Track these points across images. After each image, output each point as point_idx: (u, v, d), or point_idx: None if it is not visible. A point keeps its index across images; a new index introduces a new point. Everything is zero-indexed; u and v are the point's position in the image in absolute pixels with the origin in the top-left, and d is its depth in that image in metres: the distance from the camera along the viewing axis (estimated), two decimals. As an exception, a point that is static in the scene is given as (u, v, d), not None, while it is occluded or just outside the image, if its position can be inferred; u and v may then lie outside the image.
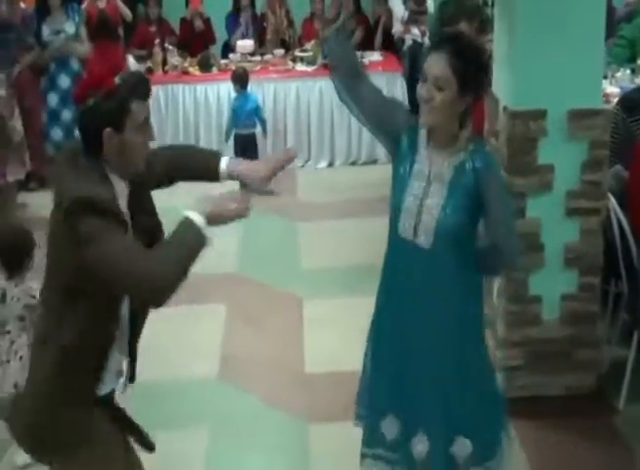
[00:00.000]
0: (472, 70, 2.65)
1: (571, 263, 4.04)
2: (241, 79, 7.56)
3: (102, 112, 2.25)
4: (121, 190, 2.38)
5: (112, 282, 2.22)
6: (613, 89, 6.02)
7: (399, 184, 2.78)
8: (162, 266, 2.19)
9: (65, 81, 6.10)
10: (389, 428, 2.95)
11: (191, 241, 2.25)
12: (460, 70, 2.61)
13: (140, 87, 2.30)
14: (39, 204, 7.23)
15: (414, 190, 2.74)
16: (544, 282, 4.05)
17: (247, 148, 7.59)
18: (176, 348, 4.76)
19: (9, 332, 3.56)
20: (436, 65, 2.64)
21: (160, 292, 2.19)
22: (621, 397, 4.10)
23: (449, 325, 2.83)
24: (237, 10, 9.14)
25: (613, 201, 4.10)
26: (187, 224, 2.26)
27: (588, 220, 4.00)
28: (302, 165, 8.23)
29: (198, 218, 2.26)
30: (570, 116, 3.87)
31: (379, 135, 2.95)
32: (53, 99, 6.11)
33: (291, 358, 4.67)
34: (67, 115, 6.02)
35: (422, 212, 2.72)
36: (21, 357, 3.51)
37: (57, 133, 6.59)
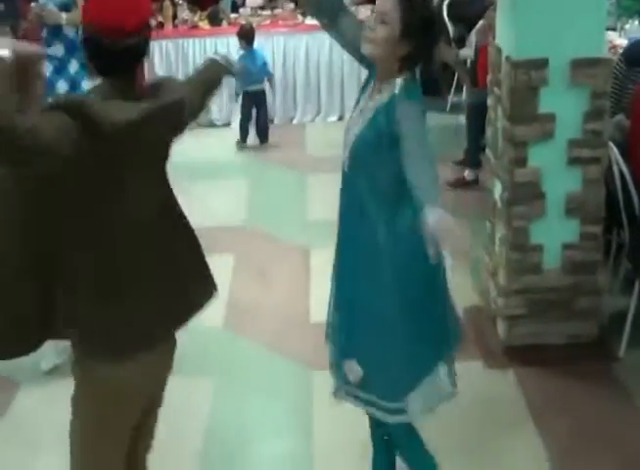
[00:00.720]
0: (416, 16, 2.69)
1: (573, 213, 4.05)
2: (247, 36, 7.50)
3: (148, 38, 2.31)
4: None
5: None
6: (622, 41, 6.00)
7: (349, 121, 2.89)
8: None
9: (59, 50, 5.58)
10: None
11: None
12: (406, 11, 2.66)
13: None
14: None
15: (351, 122, 2.85)
16: (545, 231, 4.07)
17: (257, 104, 7.59)
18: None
19: None
20: (386, 2, 2.70)
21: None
22: (622, 345, 4.12)
23: (366, 248, 2.86)
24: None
25: (614, 150, 4.09)
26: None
27: (590, 169, 4.00)
28: (312, 120, 8.24)
29: None
30: (571, 65, 3.85)
31: (363, 64, 3.05)
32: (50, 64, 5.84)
33: (297, 308, 4.72)
34: (61, 85, 5.84)
35: (346, 142, 2.83)
36: None
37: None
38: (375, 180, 2.79)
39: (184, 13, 8.33)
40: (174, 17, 8.27)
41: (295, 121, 8.34)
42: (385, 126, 2.70)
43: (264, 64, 7.64)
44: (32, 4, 5.46)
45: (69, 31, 5.53)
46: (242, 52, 7.54)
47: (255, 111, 7.59)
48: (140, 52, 2.25)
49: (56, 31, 5.53)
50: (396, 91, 2.72)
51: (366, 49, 2.73)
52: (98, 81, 2.28)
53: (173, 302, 2.39)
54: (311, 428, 3.73)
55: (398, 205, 2.77)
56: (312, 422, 3.76)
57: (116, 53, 2.17)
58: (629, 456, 3.48)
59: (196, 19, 8.33)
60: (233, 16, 8.55)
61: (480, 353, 4.18)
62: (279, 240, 5.62)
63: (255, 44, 7.59)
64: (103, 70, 2.24)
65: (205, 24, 8.26)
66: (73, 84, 5.34)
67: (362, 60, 2.94)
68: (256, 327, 4.54)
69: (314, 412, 3.81)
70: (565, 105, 3.91)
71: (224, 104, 8.21)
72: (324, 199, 6.21)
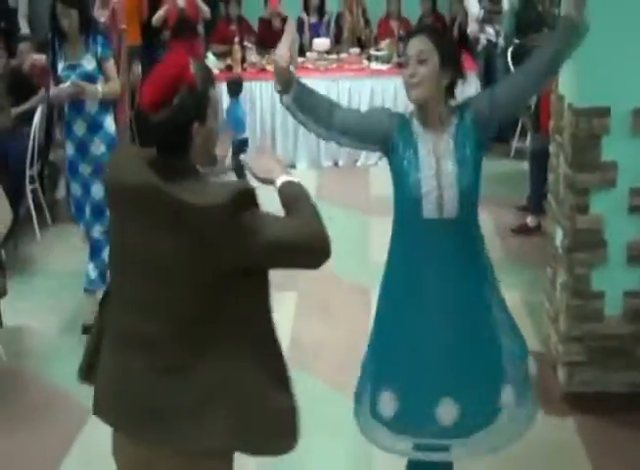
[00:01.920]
0: (448, 44, 2.87)
1: (635, 260, 4.03)
2: (236, 85, 7.77)
3: (189, 107, 2.17)
4: None
5: (283, 260, 2.25)
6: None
7: (410, 175, 2.86)
8: (313, 225, 2.24)
9: (80, 128, 4.95)
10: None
11: (301, 194, 2.32)
12: (439, 43, 2.80)
13: (211, 73, 2.30)
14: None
15: (428, 171, 2.85)
16: (607, 278, 4.05)
17: (242, 152, 7.70)
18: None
19: None
20: (417, 43, 2.81)
21: (327, 247, 2.24)
22: (684, 395, 4.07)
23: (482, 290, 3.03)
24: (307, 12, 9.25)
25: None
26: (288, 185, 2.34)
27: (653, 218, 3.99)
28: (376, 162, 8.33)
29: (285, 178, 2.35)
30: (634, 113, 3.87)
31: (369, 146, 3.07)
32: (69, 149, 5.01)
33: (357, 346, 4.76)
34: (85, 168, 4.97)
35: (442, 187, 2.84)
36: None
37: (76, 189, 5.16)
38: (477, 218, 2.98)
39: (252, 56, 8.53)
40: (243, 60, 8.48)
41: (358, 164, 8.45)
42: (473, 131, 2.86)
43: (244, 114, 7.84)
44: (67, 83, 4.84)
45: (92, 107, 4.92)
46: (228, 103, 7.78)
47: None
48: (174, 128, 2.18)
49: (78, 108, 4.92)
50: (460, 107, 2.90)
51: (413, 95, 2.82)
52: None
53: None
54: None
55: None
56: (372, 464, 3.79)
57: (150, 129, 2.19)
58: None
59: (264, 62, 8.52)
60: (300, 59, 8.74)
61: (540, 400, 4.17)
62: (341, 279, 5.70)
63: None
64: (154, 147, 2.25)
65: (272, 68, 8.43)
66: (97, 167, 4.84)
67: (368, 141, 2.99)
68: (319, 365, 4.60)
69: (375, 454, 3.83)
70: (627, 153, 3.91)
71: (289, 142, 8.36)
72: (386, 240, 6.29)
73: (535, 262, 5.11)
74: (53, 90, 4.97)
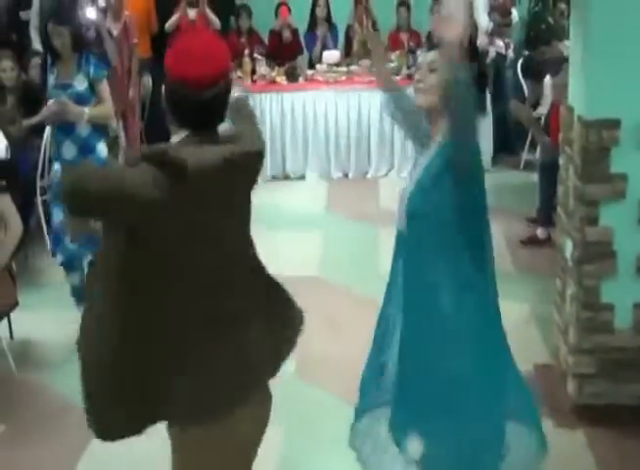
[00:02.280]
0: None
1: (645, 273, 4.03)
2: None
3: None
4: None
5: None
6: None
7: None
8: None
9: (69, 151, 4.81)
10: None
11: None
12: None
13: None
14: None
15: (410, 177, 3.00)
16: (617, 290, 4.05)
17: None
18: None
19: None
20: (432, 54, 2.88)
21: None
22: (696, 408, 4.06)
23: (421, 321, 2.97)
24: (314, 25, 9.28)
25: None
26: None
27: (662, 230, 3.99)
28: (386, 174, 8.35)
29: None
30: (644, 125, 3.88)
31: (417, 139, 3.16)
32: (57, 171, 4.84)
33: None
34: None
35: (402, 201, 2.96)
36: None
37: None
38: (436, 242, 2.88)
39: (262, 68, 8.57)
40: (253, 72, 8.51)
41: (369, 176, 8.47)
42: (443, 166, 2.81)
43: None
44: (51, 101, 4.79)
45: (83, 130, 4.77)
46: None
47: None
48: (222, 103, 2.30)
49: (68, 130, 4.79)
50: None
51: (420, 101, 2.88)
52: (181, 135, 2.32)
53: (259, 350, 2.42)
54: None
55: (459, 261, 2.85)
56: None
57: (200, 105, 2.24)
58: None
59: (274, 74, 8.56)
60: (309, 72, 8.77)
61: (550, 412, 4.14)
62: (351, 291, 5.70)
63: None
64: (187, 124, 2.29)
65: (282, 80, 8.49)
66: None
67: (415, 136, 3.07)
68: (328, 377, 4.60)
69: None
70: (636, 165, 3.92)
71: (299, 153, 8.39)
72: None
73: (545, 274, 5.11)
74: (42, 110, 4.93)
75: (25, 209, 5.75)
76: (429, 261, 2.88)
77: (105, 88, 4.89)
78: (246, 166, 2.34)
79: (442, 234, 2.84)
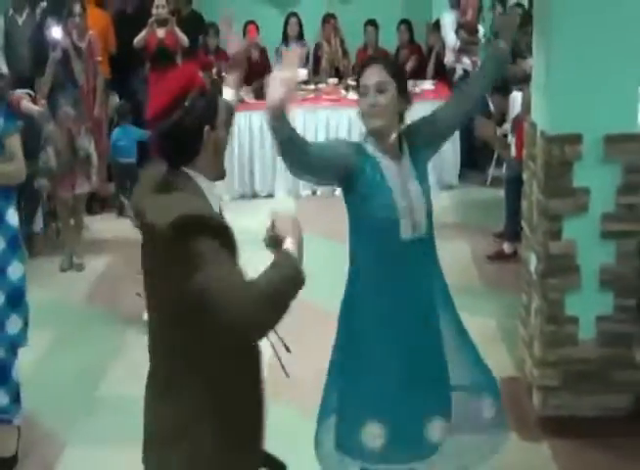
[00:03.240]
0: (402, 74, 3.03)
1: (607, 285, 4.07)
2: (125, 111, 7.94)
3: (201, 109, 2.19)
4: (214, 198, 2.31)
5: (204, 312, 2.07)
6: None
7: (380, 197, 2.94)
8: (254, 294, 2.05)
9: None
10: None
11: (290, 276, 2.15)
12: (396, 73, 2.93)
13: (218, 84, 2.40)
14: (100, 228, 7.56)
15: (398, 193, 2.95)
16: (580, 303, 4.09)
17: (129, 176, 7.66)
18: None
19: None
20: (375, 73, 2.91)
21: (247, 324, 2.06)
22: (659, 419, 4.10)
23: (446, 300, 3.14)
24: (286, 43, 9.33)
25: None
26: (287, 258, 2.19)
27: (624, 243, 4.04)
28: (354, 191, 8.36)
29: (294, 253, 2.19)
30: (605, 140, 3.94)
31: (335, 183, 3.17)
32: None
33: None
34: None
35: (412, 207, 2.95)
36: None
37: None
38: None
39: (230, 87, 8.58)
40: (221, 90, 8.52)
41: (337, 193, 8.48)
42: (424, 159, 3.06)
43: (139, 137, 7.83)
44: None
45: None
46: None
47: (129, 183, 7.51)
48: (183, 135, 2.19)
49: None
50: (406, 131, 3.03)
51: (376, 124, 2.91)
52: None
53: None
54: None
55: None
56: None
57: (166, 133, 2.19)
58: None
59: (242, 92, 8.57)
60: (278, 90, 8.79)
61: (515, 424, 4.17)
62: (319, 308, 5.70)
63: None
64: (176, 161, 2.23)
65: (250, 98, 8.52)
66: None
67: (337, 175, 3.01)
68: (294, 394, 4.59)
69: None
70: (599, 179, 3.98)
71: (268, 172, 8.40)
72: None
73: (512, 289, 5.15)
74: None
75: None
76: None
77: (15, 144, 4.03)
78: None
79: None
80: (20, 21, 8.12)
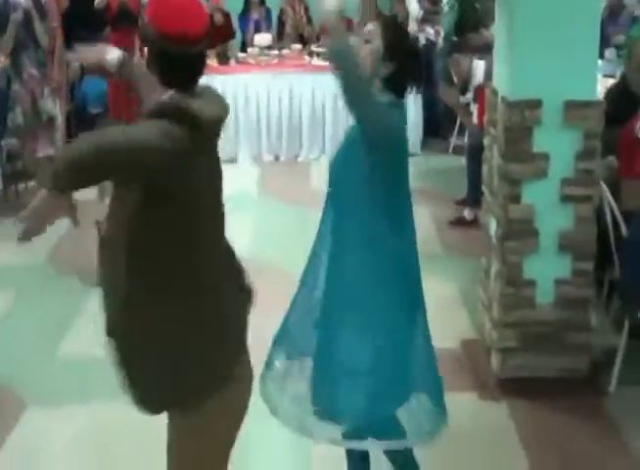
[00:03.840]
0: (396, 36, 2.89)
1: (565, 249, 4.12)
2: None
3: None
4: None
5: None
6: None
7: None
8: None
9: None
10: None
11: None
12: (386, 32, 2.85)
13: None
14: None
15: None
16: (538, 267, 4.14)
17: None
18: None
19: None
20: (370, 25, 2.89)
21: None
22: (612, 381, 4.18)
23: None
24: (248, 8, 9.27)
25: (605, 189, 4.21)
26: None
27: (582, 207, 4.08)
28: (317, 157, 8.39)
29: None
30: (564, 106, 3.97)
31: None
32: None
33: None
34: None
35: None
36: None
37: None
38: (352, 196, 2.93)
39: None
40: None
41: (300, 159, 8.50)
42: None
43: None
44: None
45: None
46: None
47: None
48: (204, 61, 2.31)
49: None
50: None
51: None
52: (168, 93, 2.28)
53: (237, 319, 2.48)
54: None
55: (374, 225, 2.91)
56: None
57: (186, 61, 2.23)
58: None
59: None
60: (241, 55, 8.75)
61: (474, 386, 4.26)
62: (284, 271, 5.72)
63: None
64: (173, 82, 2.26)
65: (213, 62, 8.45)
66: None
67: None
68: (258, 357, 4.59)
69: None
70: (558, 144, 4.01)
71: (231, 131, 8.37)
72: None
73: (472, 254, 5.20)
74: None
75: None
76: (349, 222, 2.93)
77: None
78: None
79: (358, 196, 2.89)
80: None
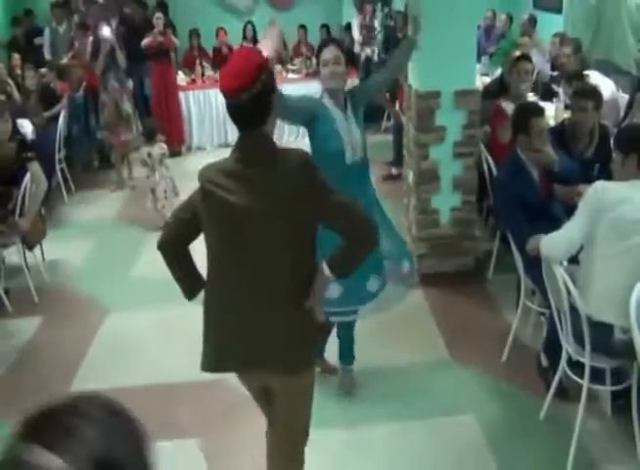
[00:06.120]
0: (346, 53, 2.88)
1: (457, 188, 4.16)
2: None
3: (271, 80, 1.88)
4: None
5: (342, 225, 1.90)
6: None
7: (333, 135, 2.83)
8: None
9: None
10: None
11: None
12: (344, 51, 2.84)
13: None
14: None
15: (345, 132, 2.86)
16: (440, 200, 4.18)
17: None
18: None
19: None
20: (332, 51, 2.80)
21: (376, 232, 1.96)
22: (490, 271, 4.25)
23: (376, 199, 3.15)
24: (245, 41, 9.08)
25: (482, 148, 4.23)
26: None
27: (467, 160, 4.11)
28: (295, 139, 8.23)
29: None
30: (455, 94, 3.96)
31: (302, 124, 2.91)
32: None
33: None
34: None
35: (353, 141, 2.86)
36: None
37: None
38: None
39: (208, 72, 8.36)
40: (202, 74, 8.31)
41: (283, 141, 8.37)
42: (360, 111, 2.92)
43: None
44: None
45: None
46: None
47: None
48: (248, 109, 1.84)
49: None
50: (348, 92, 2.89)
51: (333, 85, 2.80)
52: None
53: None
54: None
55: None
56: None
57: (230, 110, 1.86)
58: (491, 339, 3.59)
59: (217, 75, 8.36)
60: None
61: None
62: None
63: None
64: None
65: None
66: None
67: (305, 121, 2.85)
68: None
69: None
70: (451, 120, 4.02)
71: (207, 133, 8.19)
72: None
73: (398, 198, 5.22)
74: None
75: (49, 173, 5.54)
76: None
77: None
78: None
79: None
80: (60, 29, 7.77)
